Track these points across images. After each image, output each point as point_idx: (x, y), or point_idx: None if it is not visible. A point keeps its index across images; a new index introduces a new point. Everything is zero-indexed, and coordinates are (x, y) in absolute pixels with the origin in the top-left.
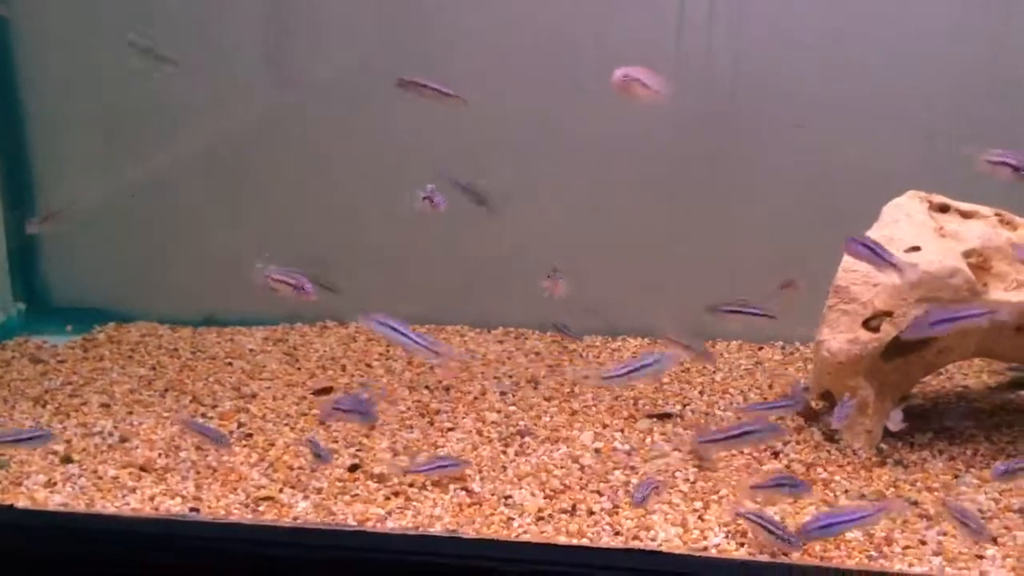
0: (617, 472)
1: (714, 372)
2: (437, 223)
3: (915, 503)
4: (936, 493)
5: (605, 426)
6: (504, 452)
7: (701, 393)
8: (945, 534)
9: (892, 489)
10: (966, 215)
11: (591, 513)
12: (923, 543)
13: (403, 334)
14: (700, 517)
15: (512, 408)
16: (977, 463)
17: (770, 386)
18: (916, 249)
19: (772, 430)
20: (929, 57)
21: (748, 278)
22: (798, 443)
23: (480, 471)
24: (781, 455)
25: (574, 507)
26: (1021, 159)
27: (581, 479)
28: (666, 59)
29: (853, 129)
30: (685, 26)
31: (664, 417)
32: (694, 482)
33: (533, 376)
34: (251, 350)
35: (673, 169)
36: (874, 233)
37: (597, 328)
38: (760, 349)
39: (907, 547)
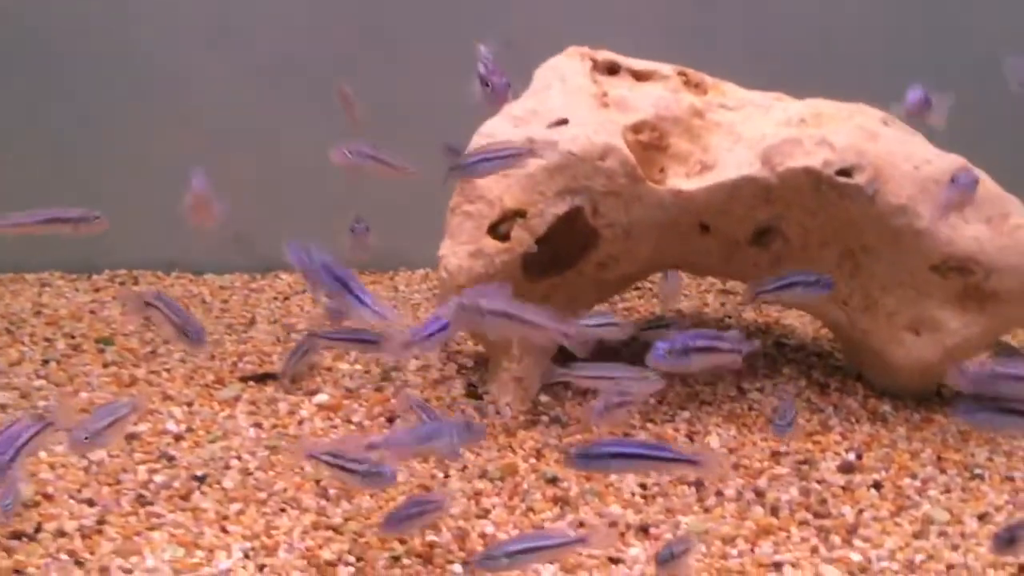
0: (143, 469)
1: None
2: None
3: (554, 479)
4: None
5: (168, 398)
6: None
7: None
8: (582, 524)
9: (533, 460)
10: (641, 76)
11: (62, 534)
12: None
13: None
14: (223, 529)
15: (40, 383)
16: (660, 413)
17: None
18: (564, 123)
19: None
20: None
21: None
22: (430, 402)
23: None
24: (398, 421)
25: (39, 528)
26: None
27: (75, 481)
28: None
29: None
30: None
31: (264, 379)
32: (250, 473)
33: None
34: None
35: None
36: (521, 104)
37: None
38: (392, 277)
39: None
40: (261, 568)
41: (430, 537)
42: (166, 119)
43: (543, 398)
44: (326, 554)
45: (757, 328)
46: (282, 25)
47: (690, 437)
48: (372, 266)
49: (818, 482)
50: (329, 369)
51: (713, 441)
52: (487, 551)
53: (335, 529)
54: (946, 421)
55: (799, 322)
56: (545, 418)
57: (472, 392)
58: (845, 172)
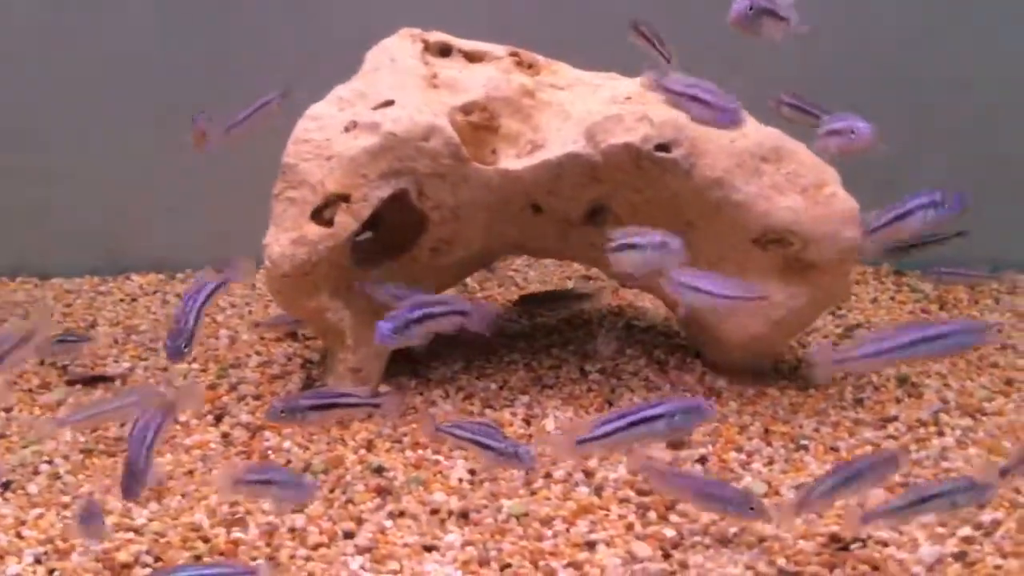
0: None
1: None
2: None
3: (380, 469)
4: (420, 452)
5: None
6: None
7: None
8: (402, 513)
9: (363, 451)
10: (473, 58)
11: None
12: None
13: None
14: (19, 535)
15: None
16: (501, 399)
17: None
18: (389, 104)
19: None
20: None
21: None
22: (257, 398)
23: None
24: (226, 419)
25: None
26: None
27: None
28: None
29: None
30: None
31: (95, 382)
32: (59, 477)
33: None
34: None
35: None
36: (349, 85)
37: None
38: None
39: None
40: (51, 572)
41: (236, 534)
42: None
43: (384, 388)
44: (122, 555)
45: (610, 311)
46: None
47: (527, 421)
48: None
49: (646, 459)
50: (165, 369)
51: (549, 424)
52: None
53: (136, 530)
54: (779, 395)
55: (652, 304)
56: None
57: (309, 386)
58: (663, 147)
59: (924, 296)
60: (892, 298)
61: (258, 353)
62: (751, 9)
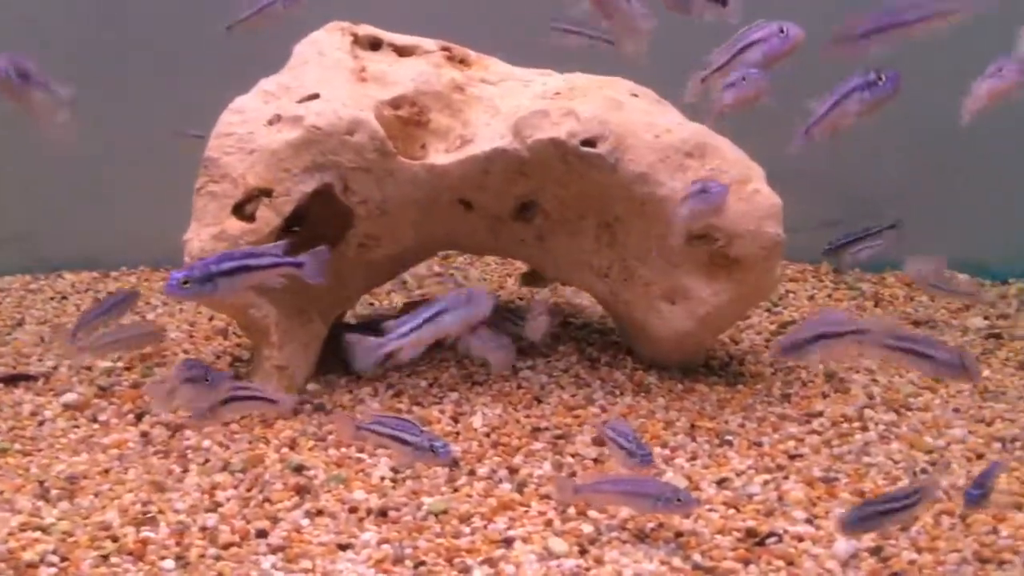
0: None
1: None
2: None
3: (300, 468)
4: (344, 450)
5: None
6: None
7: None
8: (320, 512)
9: (286, 449)
10: (403, 51)
11: None
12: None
13: None
14: None
15: None
16: (430, 396)
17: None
18: (315, 97)
19: None
20: None
21: None
22: None
23: None
24: (146, 417)
25: None
26: None
27: None
28: None
29: None
30: None
31: (16, 381)
32: None
33: None
34: None
35: None
36: (275, 79)
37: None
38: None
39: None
40: None
41: (146, 533)
42: None
43: (312, 386)
44: (28, 555)
45: (548, 309)
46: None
47: (455, 418)
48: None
49: (572, 456)
50: (89, 368)
51: (476, 421)
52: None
53: (44, 530)
54: (707, 390)
55: (590, 301)
56: (308, 406)
57: None
58: (589, 142)
59: (861, 293)
60: (829, 296)
61: (186, 352)
62: None
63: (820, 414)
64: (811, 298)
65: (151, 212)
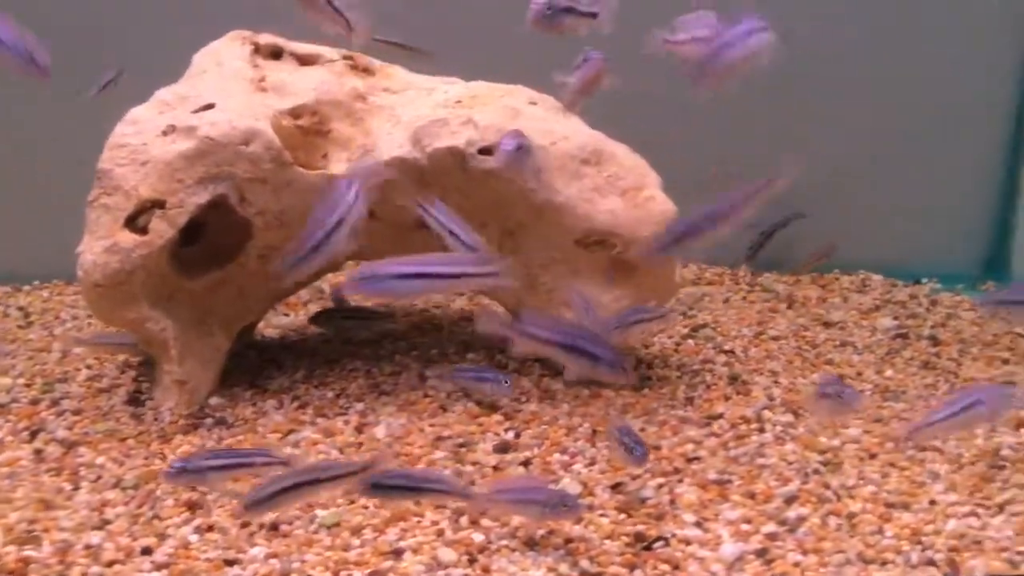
0: None
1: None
2: None
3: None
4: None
5: None
6: None
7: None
8: (211, 527)
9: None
10: (305, 61)
11: None
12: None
13: None
14: None
15: None
16: (336, 407)
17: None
18: (210, 107)
19: None
20: None
21: None
22: (77, 412)
23: None
24: (41, 434)
25: None
26: None
27: None
28: None
29: None
30: None
31: None
32: None
33: None
34: None
35: None
36: (172, 89)
37: None
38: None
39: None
40: None
41: (27, 552)
42: None
43: (215, 400)
44: None
45: (463, 316)
46: None
47: (359, 429)
48: None
49: (472, 464)
50: None
51: (380, 431)
52: None
53: None
54: (613, 395)
55: (503, 311)
56: (209, 420)
57: (135, 399)
58: (487, 150)
59: (775, 295)
60: (744, 298)
61: (88, 367)
62: (549, 9)
63: (720, 416)
64: (726, 301)
65: (64, 225)
